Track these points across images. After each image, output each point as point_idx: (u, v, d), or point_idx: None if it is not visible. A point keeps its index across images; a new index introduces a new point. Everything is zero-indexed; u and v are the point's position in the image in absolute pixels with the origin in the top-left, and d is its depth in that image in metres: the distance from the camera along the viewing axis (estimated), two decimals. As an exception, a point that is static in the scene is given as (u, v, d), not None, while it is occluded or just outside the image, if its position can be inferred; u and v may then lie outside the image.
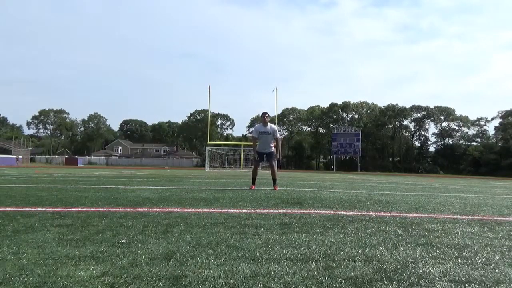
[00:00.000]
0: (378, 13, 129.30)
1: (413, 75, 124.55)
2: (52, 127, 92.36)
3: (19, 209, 3.92)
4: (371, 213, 4.16)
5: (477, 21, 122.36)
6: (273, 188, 7.72)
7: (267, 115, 7.96)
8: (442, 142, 70.70)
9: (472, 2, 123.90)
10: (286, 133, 78.34)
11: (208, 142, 38.43)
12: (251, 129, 79.30)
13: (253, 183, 8.08)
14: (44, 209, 3.97)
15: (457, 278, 1.86)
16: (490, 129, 70.74)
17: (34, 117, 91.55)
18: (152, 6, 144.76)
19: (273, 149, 7.97)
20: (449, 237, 2.91)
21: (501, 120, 64.84)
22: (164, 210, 4.07)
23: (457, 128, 70.17)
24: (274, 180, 7.92)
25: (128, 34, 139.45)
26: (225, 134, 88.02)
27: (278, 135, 8.00)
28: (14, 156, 50.23)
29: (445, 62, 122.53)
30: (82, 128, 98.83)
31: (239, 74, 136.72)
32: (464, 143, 69.25)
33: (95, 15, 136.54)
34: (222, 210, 4.12)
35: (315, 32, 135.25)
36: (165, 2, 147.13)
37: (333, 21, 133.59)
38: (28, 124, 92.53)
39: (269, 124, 7.97)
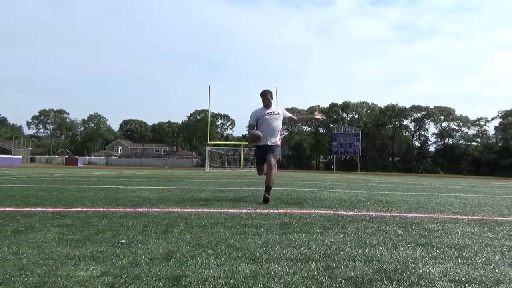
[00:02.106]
0: (375, 12, 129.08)
1: (412, 75, 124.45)
2: (52, 127, 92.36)
3: (19, 209, 3.92)
4: (371, 213, 4.17)
5: (475, 20, 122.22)
6: (263, 195, 5.15)
7: (270, 94, 5.52)
8: (442, 142, 70.67)
9: (469, 1, 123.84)
10: (286, 133, 78.37)
11: (208, 142, 38.41)
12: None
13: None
14: (44, 209, 3.97)
15: (457, 278, 1.86)
16: (490, 129, 70.65)
17: (34, 117, 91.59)
18: (152, 6, 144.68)
19: (279, 142, 5.56)
20: (449, 237, 2.91)
21: (501, 120, 64.82)
22: (164, 210, 4.07)
23: (457, 128, 70.13)
24: (268, 187, 5.19)
25: (128, 34, 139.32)
26: (225, 134, 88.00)
27: (289, 114, 5.70)
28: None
29: (443, 62, 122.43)
30: (82, 128, 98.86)
31: (239, 74, 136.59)
32: (464, 143, 69.24)
33: (95, 15, 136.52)
34: (222, 210, 4.12)
35: (313, 31, 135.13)
36: (165, 2, 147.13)
37: (330, 20, 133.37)
38: (28, 124, 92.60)
39: (273, 106, 5.59)
